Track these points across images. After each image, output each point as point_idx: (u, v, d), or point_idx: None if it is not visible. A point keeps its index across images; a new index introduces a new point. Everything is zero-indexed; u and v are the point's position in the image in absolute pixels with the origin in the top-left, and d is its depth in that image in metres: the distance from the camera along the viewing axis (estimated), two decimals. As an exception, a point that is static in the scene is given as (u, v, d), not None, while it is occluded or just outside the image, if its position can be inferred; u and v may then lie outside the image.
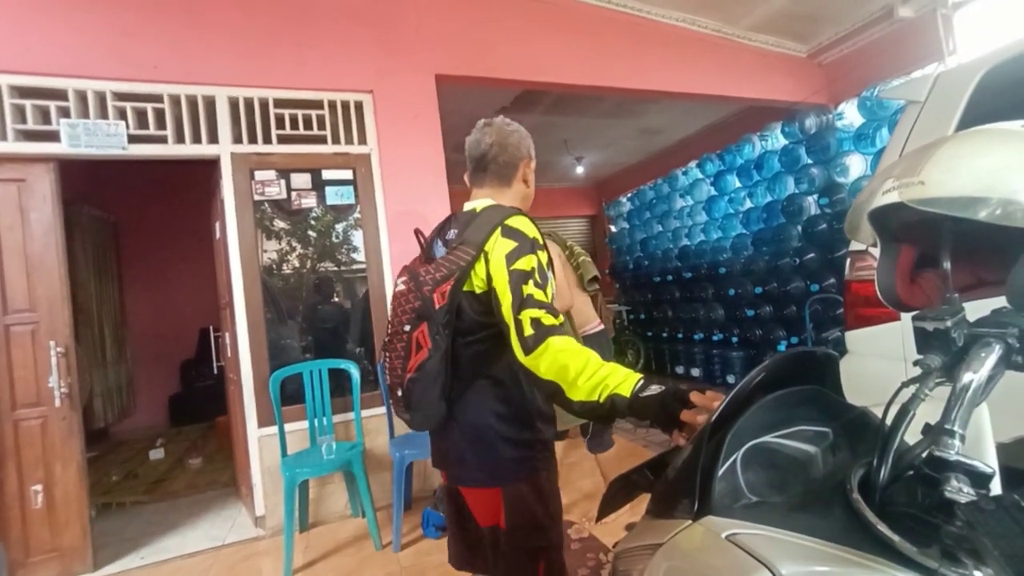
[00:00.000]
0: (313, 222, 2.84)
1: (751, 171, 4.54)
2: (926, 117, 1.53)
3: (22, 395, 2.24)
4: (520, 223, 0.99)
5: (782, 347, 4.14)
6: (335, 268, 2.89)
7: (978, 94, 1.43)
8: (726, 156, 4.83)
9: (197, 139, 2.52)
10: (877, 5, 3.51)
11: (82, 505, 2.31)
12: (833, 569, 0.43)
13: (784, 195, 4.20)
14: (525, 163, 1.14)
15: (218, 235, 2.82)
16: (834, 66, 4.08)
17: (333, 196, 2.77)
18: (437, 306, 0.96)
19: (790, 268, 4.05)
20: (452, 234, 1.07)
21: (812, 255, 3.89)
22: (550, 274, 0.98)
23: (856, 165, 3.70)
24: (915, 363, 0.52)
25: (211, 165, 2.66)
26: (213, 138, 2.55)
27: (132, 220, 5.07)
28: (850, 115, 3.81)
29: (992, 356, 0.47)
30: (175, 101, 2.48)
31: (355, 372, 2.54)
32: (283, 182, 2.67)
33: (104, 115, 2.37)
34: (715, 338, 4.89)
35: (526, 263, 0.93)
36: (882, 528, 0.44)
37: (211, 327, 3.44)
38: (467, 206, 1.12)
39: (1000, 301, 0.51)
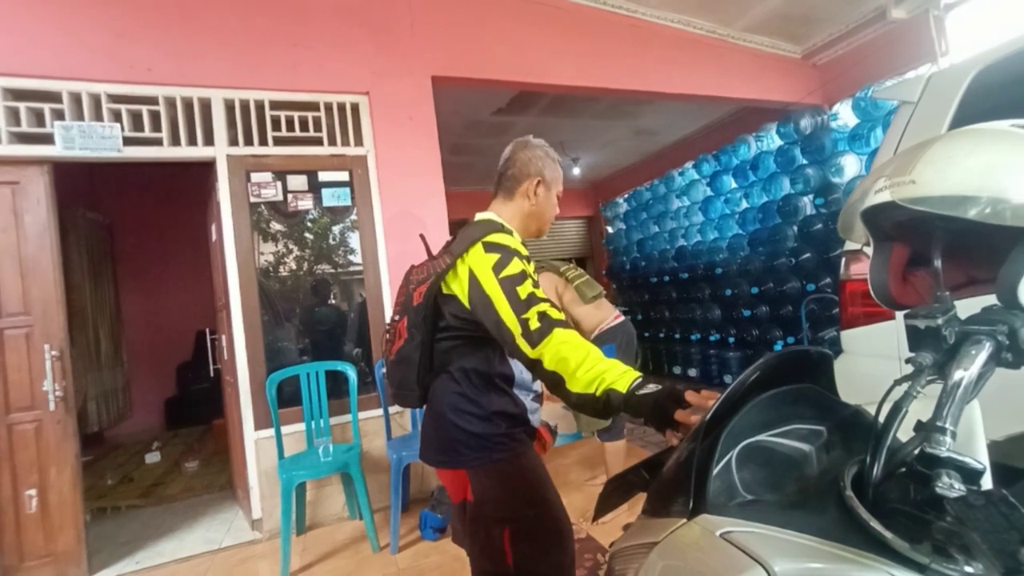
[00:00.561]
0: (310, 224, 2.83)
1: (747, 172, 4.55)
2: (919, 117, 1.55)
3: (16, 399, 2.22)
4: (501, 238, 1.04)
5: (778, 347, 4.15)
6: (332, 270, 2.88)
7: (970, 94, 1.45)
8: (722, 157, 4.85)
9: (193, 141, 2.51)
10: (870, 6, 3.53)
11: (77, 510, 2.30)
12: (827, 566, 0.44)
13: (780, 195, 4.22)
14: (532, 181, 1.18)
15: (214, 237, 2.81)
16: (828, 67, 4.10)
17: (329, 198, 2.77)
18: (415, 303, 1.07)
19: (786, 268, 4.07)
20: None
21: (808, 255, 3.91)
22: (537, 279, 1.03)
23: (851, 165, 3.72)
24: (907, 360, 0.52)
25: (207, 167, 2.65)
26: (209, 140, 2.54)
27: (128, 222, 5.05)
28: (844, 115, 3.83)
29: (983, 353, 0.47)
30: (170, 103, 2.48)
31: (352, 374, 2.53)
32: (279, 184, 2.66)
33: (99, 117, 2.36)
34: (712, 338, 4.90)
35: (514, 267, 0.98)
36: (875, 525, 0.45)
37: (207, 330, 3.43)
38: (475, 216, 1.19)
39: (991, 299, 0.52)
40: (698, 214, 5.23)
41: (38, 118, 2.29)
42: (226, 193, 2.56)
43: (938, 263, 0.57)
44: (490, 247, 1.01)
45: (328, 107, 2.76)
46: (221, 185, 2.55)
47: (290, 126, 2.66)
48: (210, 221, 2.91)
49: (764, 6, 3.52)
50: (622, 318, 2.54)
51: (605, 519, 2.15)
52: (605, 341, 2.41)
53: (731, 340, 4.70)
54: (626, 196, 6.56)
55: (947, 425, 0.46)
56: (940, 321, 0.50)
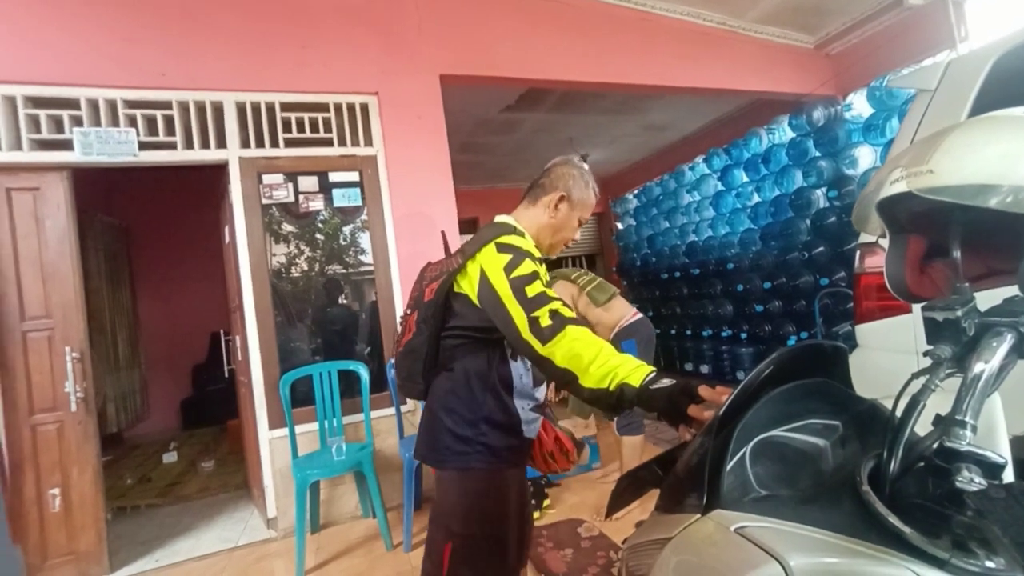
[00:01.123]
0: (321, 225, 2.85)
1: (758, 165, 4.49)
2: (937, 105, 1.51)
3: (39, 400, 2.28)
4: (513, 240, 1.05)
5: (791, 342, 4.10)
6: (343, 270, 2.91)
7: (990, 81, 1.41)
8: (733, 150, 4.79)
9: (206, 144, 2.55)
10: (885, -6, 3.46)
11: (98, 509, 2.35)
12: (843, 561, 0.43)
13: (792, 189, 4.16)
14: (557, 194, 1.19)
15: (227, 239, 2.85)
16: (842, 56, 4.03)
17: (340, 198, 2.79)
18: (427, 299, 1.09)
19: (799, 262, 4.01)
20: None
21: (821, 249, 3.85)
22: (548, 279, 1.04)
23: (865, 156, 3.65)
24: (925, 353, 0.51)
25: (220, 170, 2.69)
26: (221, 143, 2.57)
27: (143, 226, 5.14)
28: (859, 106, 3.76)
29: (1004, 345, 0.46)
30: (184, 107, 2.51)
31: (364, 373, 2.55)
32: (291, 185, 2.69)
33: (115, 123, 2.40)
34: (724, 334, 4.85)
35: (525, 268, 0.98)
36: (893, 520, 0.44)
37: (221, 331, 3.48)
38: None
39: (1012, 290, 0.51)
40: (709, 209, 5.17)
41: (57, 125, 2.34)
42: (238, 195, 2.59)
43: (957, 254, 0.55)
44: (502, 248, 1.02)
45: (338, 108, 2.78)
46: (233, 187, 2.59)
47: (300, 127, 2.69)
48: (223, 223, 2.95)
49: (775, -3, 3.46)
50: (640, 315, 2.54)
51: (618, 515, 2.14)
52: (624, 337, 2.41)
53: (743, 336, 4.65)
54: (636, 192, 6.52)
55: (967, 419, 0.45)
56: (959, 313, 0.49)
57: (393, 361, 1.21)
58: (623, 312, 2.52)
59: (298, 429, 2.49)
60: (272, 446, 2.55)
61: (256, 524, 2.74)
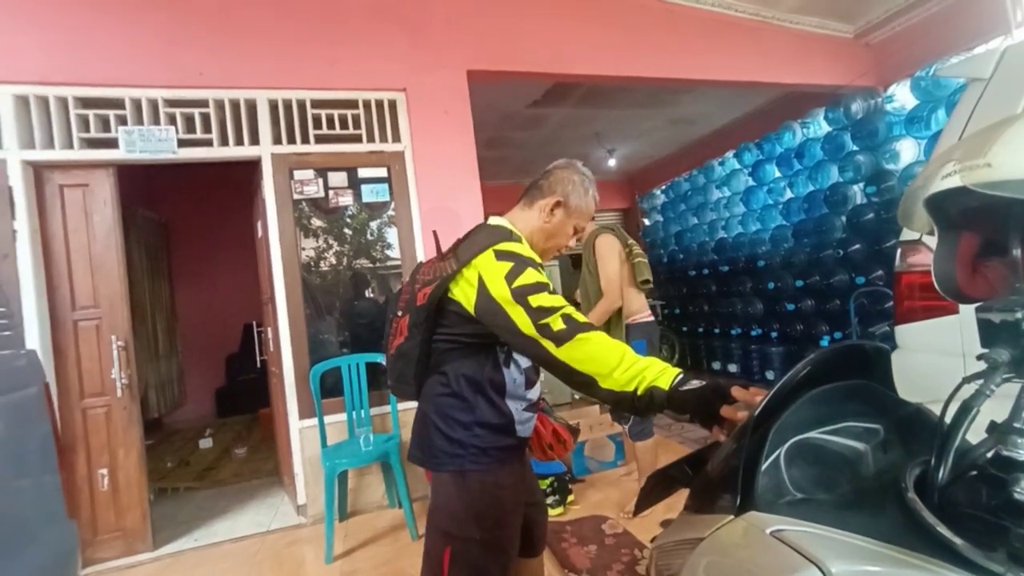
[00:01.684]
0: (349, 220, 2.91)
1: (791, 160, 4.36)
2: (991, 95, 1.43)
3: (89, 385, 2.41)
4: (512, 247, 1.00)
5: (824, 342, 3.97)
6: (370, 265, 2.96)
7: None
8: (765, 145, 4.65)
9: (240, 141, 2.63)
10: (933, -22, 3.29)
11: (142, 489, 2.48)
12: (886, 570, 0.42)
13: (827, 184, 4.01)
14: (554, 199, 1.14)
15: (260, 233, 2.93)
16: (883, 45, 3.85)
17: (368, 194, 2.84)
18: (418, 304, 1.05)
19: (833, 260, 3.88)
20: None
21: (858, 246, 3.71)
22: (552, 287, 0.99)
23: (908, 150, 3.49)
24: (979, 357, 0.49)
25: (253, 166, 2.77)
26: (255, 140, 2.65)
27: (181, 220, 5.34)
28: (902, 97, 3.60)
29: (1067, 350, 0.44)
30: (219, 105, 2.60)
31: (391, 366, 2.59)
32: (321, 181, 2.75)
33: (156, 121, 2.50)
34: (753, 333, 4.74)
35: (528, 277, 0.94)
36: (942, 530, 0.42)
37: (254, 322, 3.60)
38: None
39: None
40: (739, 205, 5.05)
41: (104, 124, 2.45)
42: (271, 190, 2.66)
43: (1017, 252, 0.52)
44: (502, 255, 0.97)
45: (367, 104, 2.83)
46: (266, 183, 2.66)
47: (330, 124, 2.74)
48: (256, 218, 3.04)
49: (812, -16, 3.34)
50: (651, 316, 2.48)
51: (644, 513, 2.12)
52: (637, 336, 2.37)
53: (773, 335, 4.53)
54: (664, 187, 6.41)
55: (1025, 426, 0.43)
56: (1020, 315, 0.46)
57: (384, 362, 1.18)
58: (643, 306, 2.47)
59: (327, 419, 2.55)
60: (302, 435, 2.63)
61: (287, 510, 2.83)
